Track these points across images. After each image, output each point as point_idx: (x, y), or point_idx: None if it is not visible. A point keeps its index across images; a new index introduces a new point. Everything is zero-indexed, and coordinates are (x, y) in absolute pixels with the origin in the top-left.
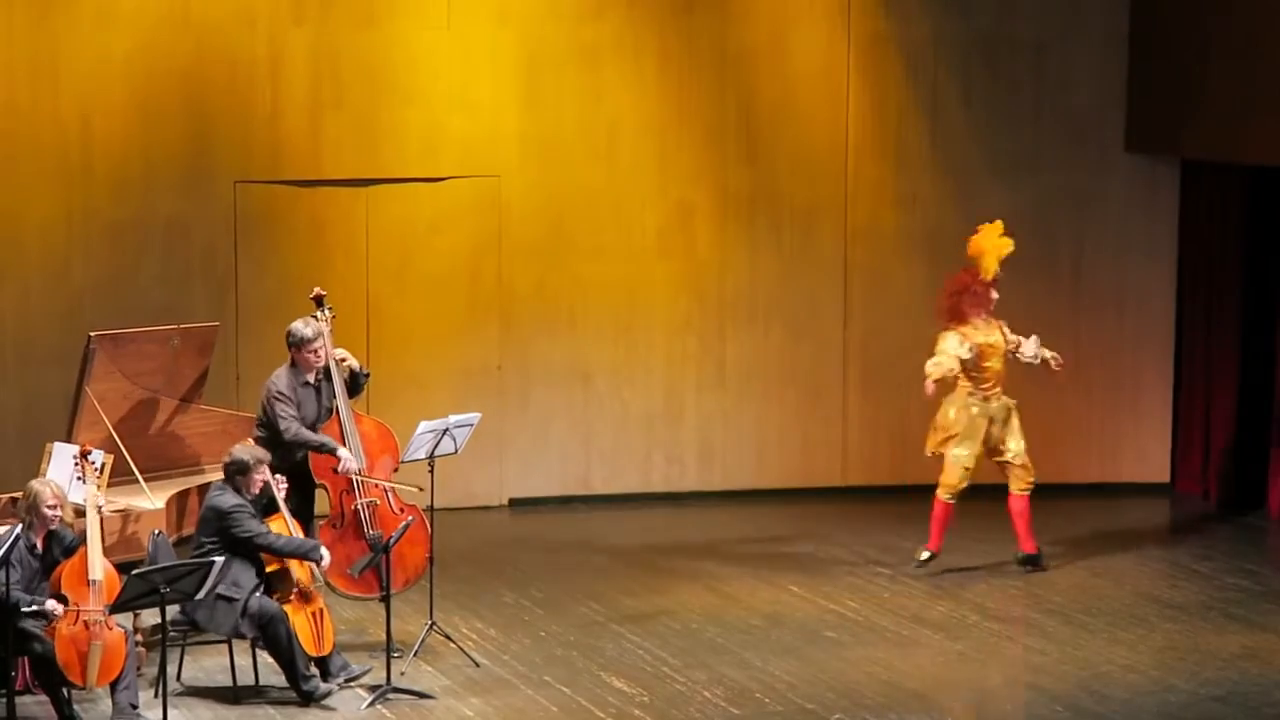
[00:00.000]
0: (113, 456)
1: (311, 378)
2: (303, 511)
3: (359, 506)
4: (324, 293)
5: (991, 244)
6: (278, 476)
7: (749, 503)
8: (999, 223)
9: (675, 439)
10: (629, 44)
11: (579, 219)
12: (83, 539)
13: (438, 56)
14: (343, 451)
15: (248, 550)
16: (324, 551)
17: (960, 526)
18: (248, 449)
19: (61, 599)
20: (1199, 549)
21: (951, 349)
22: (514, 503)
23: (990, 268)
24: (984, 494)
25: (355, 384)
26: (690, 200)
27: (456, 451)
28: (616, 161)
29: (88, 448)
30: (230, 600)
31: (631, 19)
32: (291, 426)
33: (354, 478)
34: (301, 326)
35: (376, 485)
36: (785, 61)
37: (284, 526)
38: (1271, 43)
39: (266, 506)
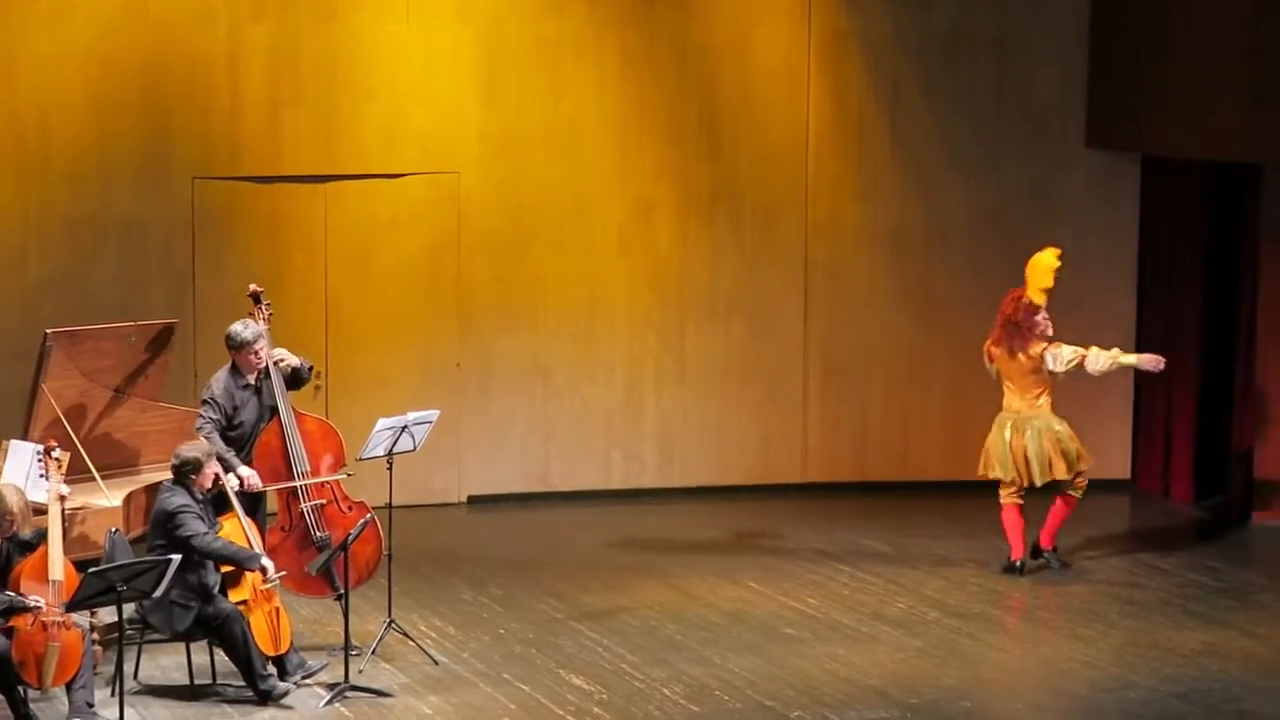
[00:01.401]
0: (69, 454)
1: (252, 379)
2: (253, 509)
3: (305, 510)
4: (261, 289)
5: (1033, 274)
6: (230, 475)
7: (709, 499)
8: (1053, 250)
9: (635, 436)
10: (590, 40)
11: (539, 215)
12: (41, 537)
13: (397, 52)
14: (243, 470)
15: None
16: (265, 562)
17: (917, 524)
18: (195, 446)
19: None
20: (1159, 546)
21: (1066, 354)
22: (473, 500)
23: (1035, 298)
24: (941, 491)
25: (298, 379)
26: (651, 197)
27: (415, 449)
28: (577, 158)
29: (52, 444)
30: (185, 606)
31: (592, 15)
32: (204, 429)
33: (296, 484)
34: (241, 329)
35: (321, 485)
36: (746, 58)
37: (238, 526)
38: (1231, 38)
39: (218, 504)
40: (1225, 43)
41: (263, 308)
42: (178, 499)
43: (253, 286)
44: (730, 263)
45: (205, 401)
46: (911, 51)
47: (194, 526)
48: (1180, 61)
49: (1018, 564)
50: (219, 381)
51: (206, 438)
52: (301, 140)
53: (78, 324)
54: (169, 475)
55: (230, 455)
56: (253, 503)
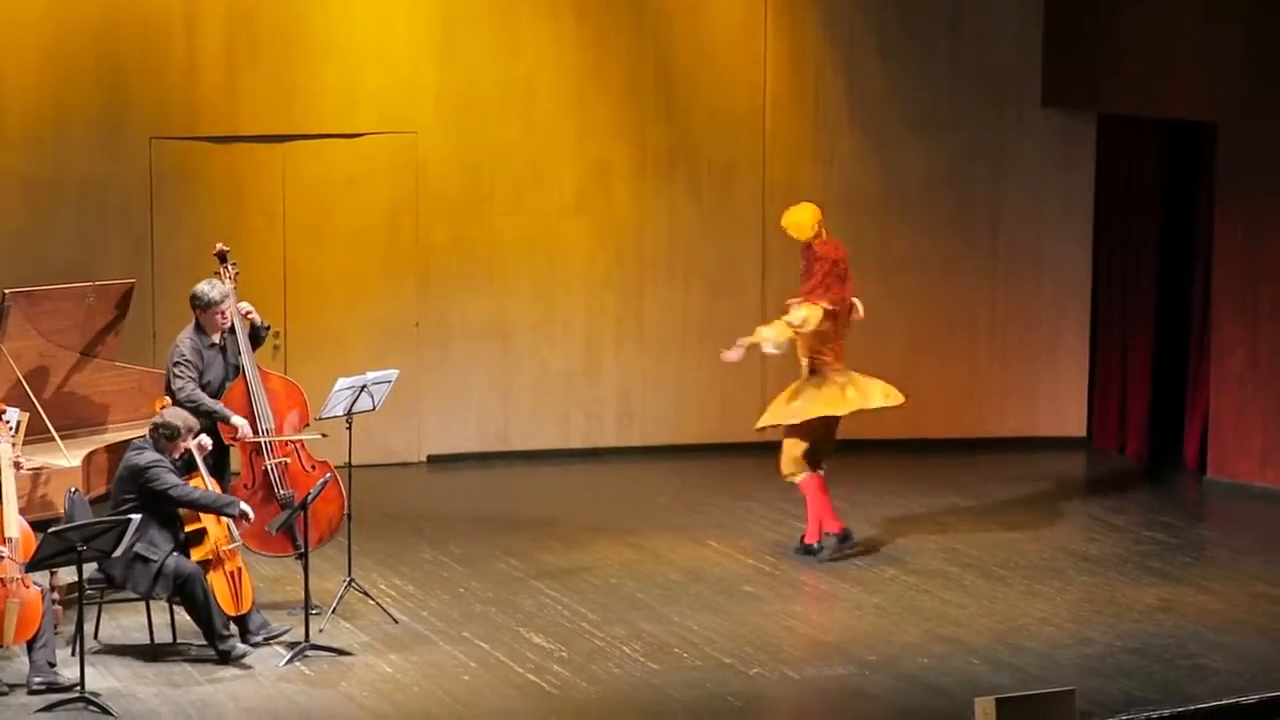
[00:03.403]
0: (28, 414)
1: (217, 338)
2: (218, 471)
3: (269, 467)
4: (227, 248)
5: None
6: (200, 438)
7: (668, 458)
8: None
9: (594, 395)
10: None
11: (497, 175)
12: None
13: (354, 12)
14: (237, 419)
15: (166, 507)
16: (244, 506)
17: (874, 481)
18: (182, 416)
19: None
20: (1115, 503)
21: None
22: (432, 459)
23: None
24: (898, 449)
25: (255, 337)
26: (608, 157)
27: (375, 408)
28: (534, 118)
29: (2, 407)
30: (147, 560)
31: None
32: (186, 388)
33: (261, 440)
34: (208, 289)
35: (284, 443)
36: (703, 17)
37: (202, 485)
38: None
39: (185, 465)
40: (1180, 3)
41: (228, 267)
42: (150, 454)
43: (219, 246)
44: (688, 223)
45: (178, 363)
46: (869, 12)
47: (169, 479)
48: (1135, 21)
49: (817, 546)
50: (186, 342)
51: (189, 396)
52: (259, 101)
53: (35, 285)
54: (128, 435)
55: (219, 406)
56: (218, 463)
